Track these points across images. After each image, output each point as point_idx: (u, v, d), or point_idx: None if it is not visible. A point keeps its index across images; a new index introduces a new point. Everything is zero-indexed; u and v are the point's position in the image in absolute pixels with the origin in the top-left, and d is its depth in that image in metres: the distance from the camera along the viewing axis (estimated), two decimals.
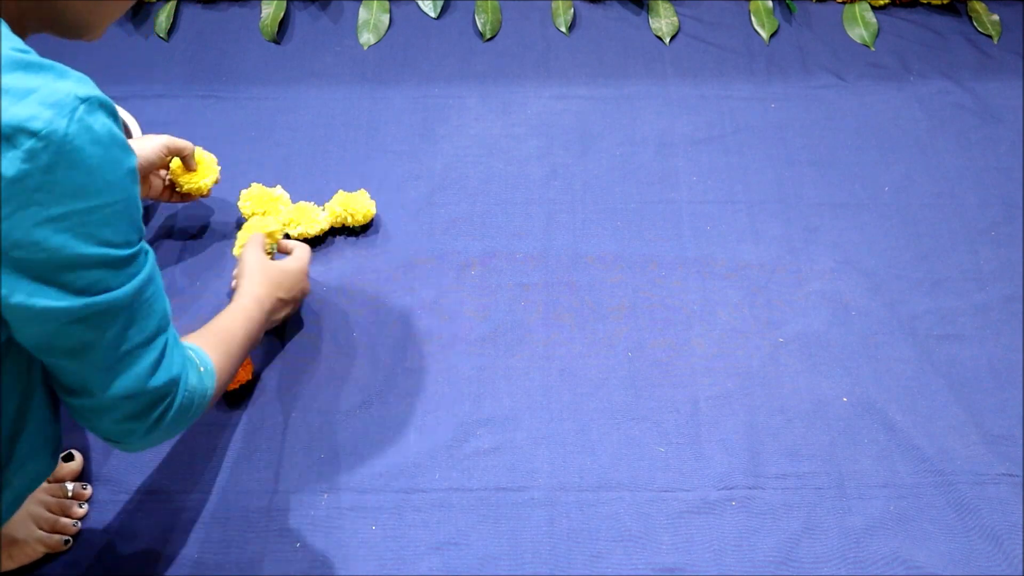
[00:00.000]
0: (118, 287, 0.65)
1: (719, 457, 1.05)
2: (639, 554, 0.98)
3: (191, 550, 0.97)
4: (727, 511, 1.01)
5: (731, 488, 1.03)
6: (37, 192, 0.58)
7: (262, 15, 1.50)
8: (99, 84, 1.45)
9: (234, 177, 1.27)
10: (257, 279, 1.02)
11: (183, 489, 1.01)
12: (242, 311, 0.96)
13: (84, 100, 0.60)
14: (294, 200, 1.24)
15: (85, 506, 0.99)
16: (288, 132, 1.35)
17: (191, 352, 0.80)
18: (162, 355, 0.72)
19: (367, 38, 1.48)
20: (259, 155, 1.32)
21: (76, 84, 0.60)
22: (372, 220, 1.25)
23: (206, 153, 1.19)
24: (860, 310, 1.17)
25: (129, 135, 1.23)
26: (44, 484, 0.98)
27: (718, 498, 1.02)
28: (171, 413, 0.74)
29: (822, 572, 0.97)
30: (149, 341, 0.70)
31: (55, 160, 0.58)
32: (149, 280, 0.69)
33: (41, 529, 0.96)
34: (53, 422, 0.78)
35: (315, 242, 1.22)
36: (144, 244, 0.69)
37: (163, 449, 1.04)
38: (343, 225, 1.23)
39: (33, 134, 0.57)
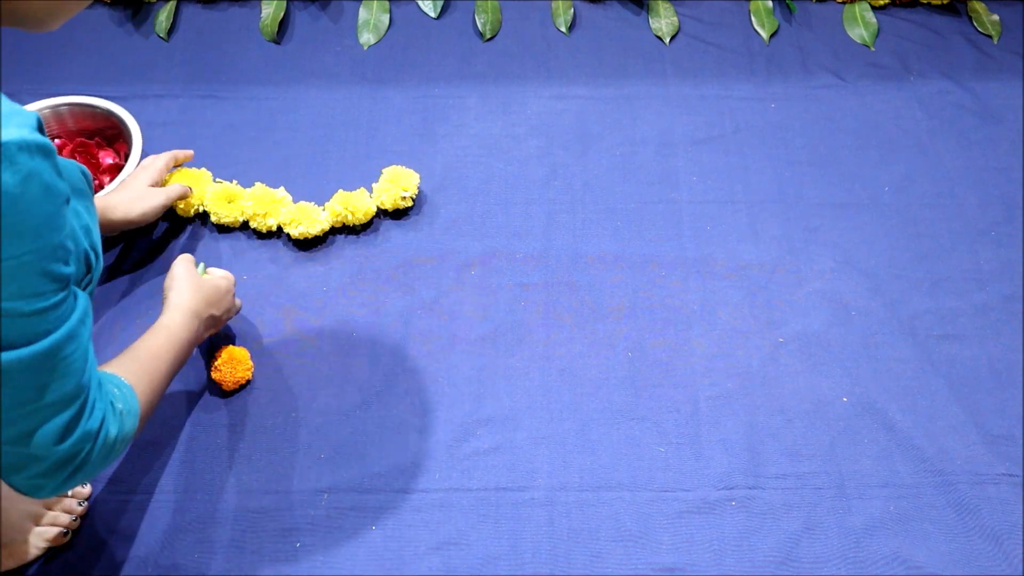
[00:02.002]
0: (24, 344, 0.60)
1: (719, 457, 1.05)
2: (639, 554, 0.98)
3: (191, 550, 0.97)
4: (727, 511, 1.01)
5: (731, 488, 1.03)
6: None
7: (262, 15, 1.50)
8: (99, 84, 1.46)
9: (234, 177, 1.27)
10: (189, 292, 0.98)
11: (183, 489, 1.01)
12: (173, 326, 0.92)
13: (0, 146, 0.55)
14: (294, 200, 1.24)
15: (85, 503, 0.99)
16: (288, 132, 1.35)
17: (113, 389, 0.75)
18: (79, 414, 0.67)
19: (367, 38, 1.48)
20: (259, 155, 1.32)
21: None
22: (372, 220, 1.25)
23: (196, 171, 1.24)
24: (860, 310, 1.17)
25: (129, 136, 1.23)
26: None
27: (718, 498, 1.02)
28: (87, 467, 0.70)
29: (822, 572, 0.97)
30: (64, 402, 0.65)
31: None
32: (69, 336, 0.63)
33: (39, 525, 0.96)
34: None
35: (315, 242, 1.22)
36: (68, 296, 0.63)
37: (163, 449, 1.04)
38: (343, 225, 1.23)
39: None
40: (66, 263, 0.63)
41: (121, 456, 0.77)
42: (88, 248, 0.72)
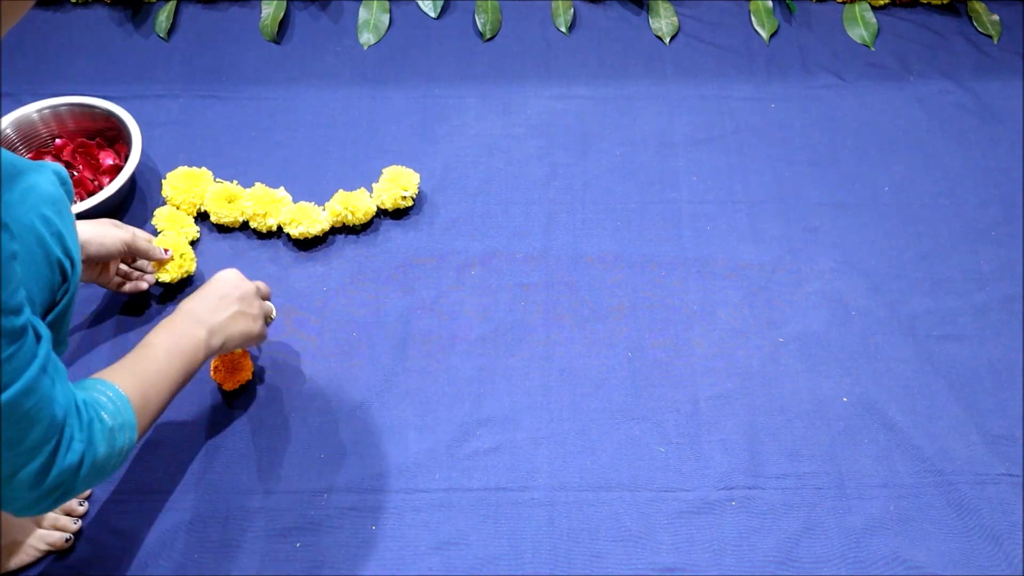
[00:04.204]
0: None
1: (719, 457, 1.05)
2: (639, 554, 0.98)
3: (191, 550, 0.97)
4: (727, 511, 1.01)
5: (731, 488, 1.03)
6: None
7: (262, 15, 1.50)
8: (99, 84, 1.46)
9: (234, 177, 1.27)
10: (197, 297, 0.94)
11: (183, 489, 1.01)
12: (174, 329, 0.88)
13: None
14: (294, 200, 1.24)
15: (85, 504, 0.99)
16: (288, 132, 1.35)
17: (104, 401, 0.74)
18: (52, 456, 0.66)
19: (367, 38, 1.48)
20: (259, 155, 1.32)
21: None
22: (372, 220, 1.25)
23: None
24: (860, 310, 1.17)
25: (129, 136, 1.23)
26: None
27: (718, 498, 1.02)
28: (73, 491, 0.70)
29: (822, 572, 0.97)
30: (34, 449, 0.64)
31: None
32: (27, 391, 0.61)
33: (41, 528, 0.96)
34: None
35: (315, 242, 1.22)
36: (23, 345, 0.61)
37: (163, 449, 1.04)
38: (343, 225, 1.23)
39: None
40: (17, 314, 0.61)
41: (124, 464, 0.76)
42: (61, 255, 0.70)
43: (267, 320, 1.01)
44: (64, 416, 0.67)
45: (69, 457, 0.68)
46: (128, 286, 1.11)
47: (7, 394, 0.60)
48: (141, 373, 0.81)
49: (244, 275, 0.99)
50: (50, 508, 0.70)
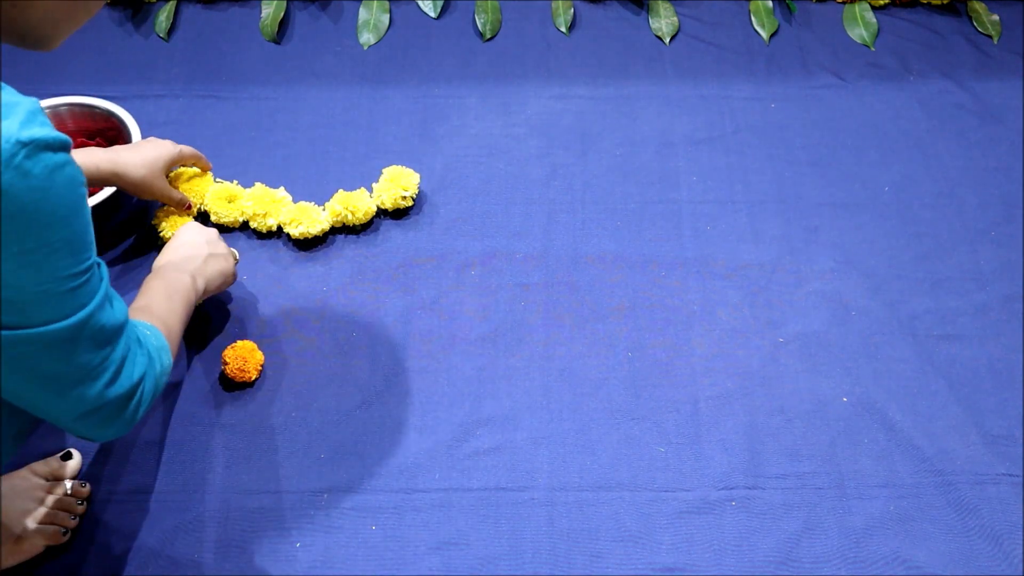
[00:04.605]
0: (63, 318, 0.65)
1: (719, 457, 1.05)
2: (639, 554, 0.98)
3: (190, 550, 0.97)
4: (727, 511, 1.01)
5: (731, 488, 1.03)
6: None
7: (262, 15, 1.50)
8: (99, 84, 1.46)
9: (234, 177, 1.27)
10: (165, 253, 1.05)
11: (183, 489, 1.01)
12: (162, 277, 0.98)
13: (25, 144, 0.58)
14: (294, 200, 1.24)
15: (84, 504, 0.99)
16: (288, 132, 1.35)
17: (145, 330, 0.81)
18: (121, 364, 0.73)
19: (367, 38, 1.48)
20: (259, 155, 1.32)
21: (19, 125, 0.58)
22: (372, 220, 1.25)
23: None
24: (860, 310, 1.17)
25: (129, 136, 1.23)
26: (43, 483, 0.98)
27: (718, 498, 1.02)
28: (142, 408, 0.77)
29: (822, 572, 0.97)
30: (105, 359, 0.71)
31: None
32: (100, 305, 0.69)
33: (40, 524, 0.96)
34: None
35: (315, 242, 1.22)
36: (92, 270, 0.68)
37: (163, 449, 1.04)
38: (343, 225, 1.23)
39: None
40: (90, 243, 0.68)
41: (162, 391, 0.84)
42: None
43: (234, 259, 1.11)
44: (126, 326, 0.74)
45: (136, 370, 0.75)
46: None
47: (86, 309, 0.67)
48: (155, 312, 0.90)
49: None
50: (124, 428, 0.76)
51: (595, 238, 1.24)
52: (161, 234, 1.19)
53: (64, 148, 0.62)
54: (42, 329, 0.64)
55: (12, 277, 0.61)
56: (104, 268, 0.71)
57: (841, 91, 1.42)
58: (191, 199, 1.21)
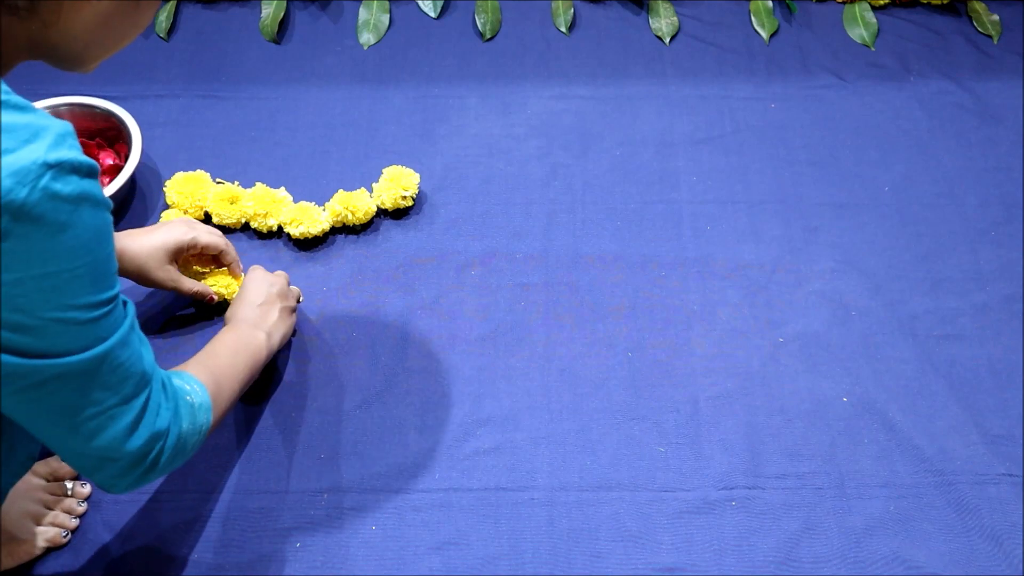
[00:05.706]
0: (81, 350, 0.64)
1: (719, 457, 1.05)
2: (639, 554, 0.98)
3: (191, 550, 0.97)
4: (727, 511, 1.01)
5: (731, 488, 1.03)
6: None
7: (262, 15, 1.50)
8: (99, 84, 1.46)
9: (234, 177, 1.27)
10: (235, 304, 1.03)
11: (183, 489, 1.01)
12: (232, 332, 0.97)
13: (52, 166, 0.57)
14: (295, 200, 1.24)
15: (85, 504, 0.99)
16: (288, 132, 1.35)
17: (184, 385, 0.79)
18: (142, 413, 0.71)
19: (367, 38, 1.48)
20: (259, 155, 1.32)
21: (47, 147, 0.58)
22: (372, 220, 1.25)
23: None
24: (860, 310, 1.17)
25: (129, 136, 1.23)
26: (43, 483, 0.98)
27: (718, 498, 1.02)
28: (161, 462, 0.74)
29: (822, 572, 0.97)
30: (124, 402, 0.69)
31: (9, 228, 0.56)
32: (122, 342, 0.67)
33: (40, 525, 0.96)
34: None
35: (315, 242, 1.22)
36: (118, 303, 0.67)
37: None
38: (343, 225, 1.24)
39: None
40: (114, 273, 0.66)
41: (195, 451, 0.81)
42: None
43: (296, 300, 1.12)
44: (149, 381, 0.72)
45: (158, 422, 0.72)
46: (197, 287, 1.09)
47: (107, 343, 0.65)
48: (212, 367, 0.87)
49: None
50: (136, 484, 0.74)
51: (595, 238, 1.24)
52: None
53: (92, 174, 0.61)
54: (60, 360, 0.63)
55: (33, 301, 0.59)
56: (131, 307, 0.70)
57: (841, 91, 1.42)
58: (215, 289, 1.11)
